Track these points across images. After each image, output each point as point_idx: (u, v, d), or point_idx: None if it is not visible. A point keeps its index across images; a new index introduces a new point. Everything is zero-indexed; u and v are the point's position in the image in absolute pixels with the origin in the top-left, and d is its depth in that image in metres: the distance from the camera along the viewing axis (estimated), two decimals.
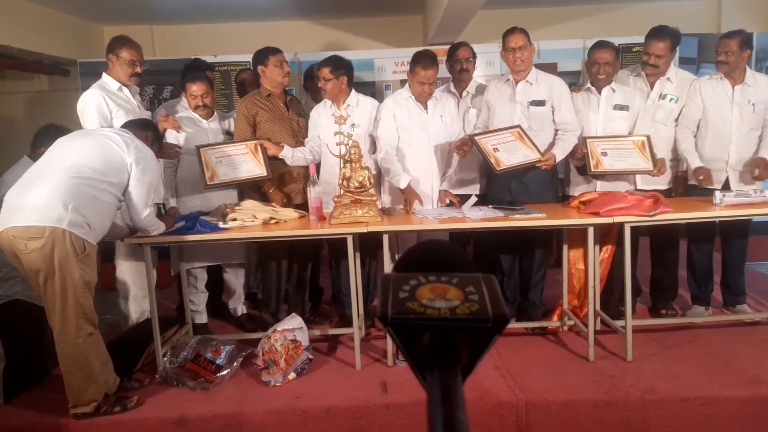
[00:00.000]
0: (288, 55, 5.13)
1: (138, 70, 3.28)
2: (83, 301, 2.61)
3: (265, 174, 3.36)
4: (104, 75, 3.31)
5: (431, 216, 3.18)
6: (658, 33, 3.45)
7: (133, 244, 3.09)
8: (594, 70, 3.41)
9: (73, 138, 2.84)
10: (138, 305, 3.47)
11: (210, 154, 3.37)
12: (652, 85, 3.54)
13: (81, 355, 2.61)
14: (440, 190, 3.54)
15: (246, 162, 3.38)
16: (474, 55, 3.81)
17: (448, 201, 3.48)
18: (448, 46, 4.00)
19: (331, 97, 3.46)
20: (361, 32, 6.23)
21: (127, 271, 3.48)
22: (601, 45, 3.43)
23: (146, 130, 3.01)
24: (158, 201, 3.34)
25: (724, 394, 2.75)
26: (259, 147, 3.37)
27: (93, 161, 2.69)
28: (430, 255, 0.59)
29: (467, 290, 0.53)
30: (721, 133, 3.43)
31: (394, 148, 3.42)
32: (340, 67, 3.44)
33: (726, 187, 3.43)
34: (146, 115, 3.50)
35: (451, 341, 0.51)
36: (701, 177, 3.36)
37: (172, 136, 3.43)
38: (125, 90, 3.29)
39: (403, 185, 3.32)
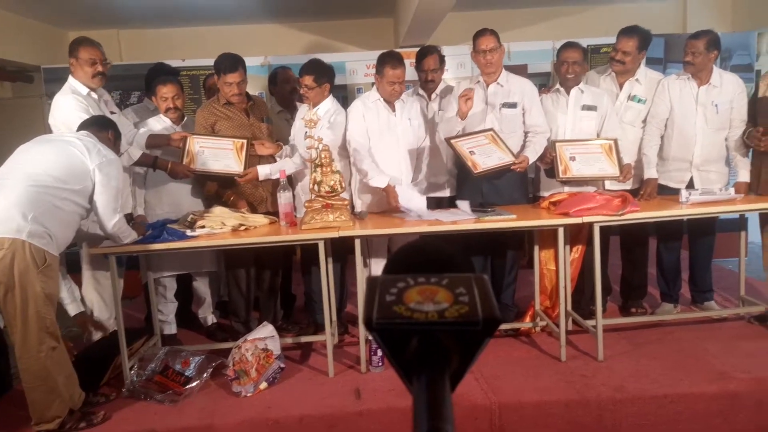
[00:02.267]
0: (258, 58, 5.15)
1: (100, 68, 3.17)
2: (45, 314, 2.53)
3: (239, 172, 3.32)
4: (71, 79, 3.19)
5: (424, 215, 3.14)
6: (627, 31, 3.49)
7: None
8: (563, 70, 3.43)
9: (33, 145, 2.75)
10: (103, 318, 3.38)
11: (195, 143, 3.34)
12: (621, 86, 3.58)
13: (44, 369, 2.54)
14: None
15: (227, 157, 3.35)
16: (442, 61, 3.79)
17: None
18: (418, 49, 3.99)
19: (314, 104, 3.41)
20: (333, 35, 6.20)
21: (92, 281, 3.40)
22: (569, 45, 3.46)
23: (107, 130, 2.91)
24: (127, 210, 3.27)
25: (692, 390, 2.79)
26: (244, 145, 3.33)
27: (53, 168, 2.61)
28: (422, 255, 0.57)
29: (457, 292, 0.51)
30: (686, 133, 3.47)
31: (366, 149, 3.40)
32: (323, 75, 3.40)
33: (690, 185, 3.47)
34: (123, 117, 3.44)
35: (440, 346, 0.48)
36: (648, 190, 3.43)
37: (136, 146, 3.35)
38: (94, 94, 3.20)
39: (381, 184, 3.30)
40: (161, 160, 3.32)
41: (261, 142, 3.38)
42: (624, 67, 3.50)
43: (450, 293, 0.50)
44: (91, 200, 2.71)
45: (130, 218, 3.21)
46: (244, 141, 3.35)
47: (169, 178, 3.37)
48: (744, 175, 3.44)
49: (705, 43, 3.35)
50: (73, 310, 3.14)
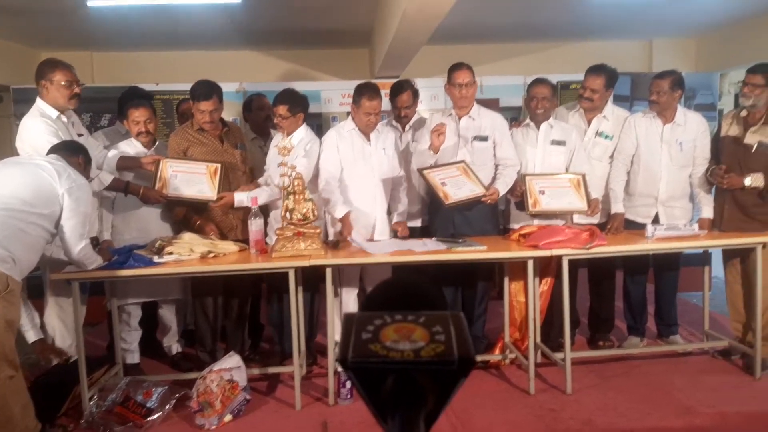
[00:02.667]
0: (233, 84, 5.15)
1: (77, 90, 3.13)
2: (4, 342, 2.44)
3: (213, 198, 3.29)
4: (39, 102, 3.11)
5: (370, 248, 3.15)
6: (595, 69, 3.59)
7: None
8: (532, 105, 3.51)
9: (1, 167, 2.68)
10: (64, 345, 3.27)
11: (168, 167, 3.30)
12: (589, 122, 3.67)
13: (0, 398, 2.44)
14: (395, 222, 3.52)
15: (200, 182, 3.31)
16: (416, 96, 3.85)
17: (396, 232, 3.47)
18: (393, 80, 4.04)
19: (288, 133, 3.41)
20: (308, 64, 6.25)
21: (55, 307, 3.29)
22: (538, 81, 3.54)
23: (77, 155, 2.87)
24: (92, 234, 3.20)
25: (659, 425, 2.81)
26: (218, 170, 3.31)
27: (21, 192, 2.55)
28: (399, 292, 0.57)
29: (434, 330, 0.50)
30: (651, 169, 3.56)
31: (336, 180, 3.40)
32: (297, 104, 3.41)
33: (656, 220, 3.55)
34: (92, 138, 3.38)
35: (416, 386, 0.48)
36: (615, 224, 3.50)
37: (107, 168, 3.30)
38: (63, 117, 3.15)
39: (339, 215, 3.30)
40: (133, 185, 3.27)
41: (236, 192, 3.34)
42: (592, 104, 3.59)
43: (426, 331, 0.50)
44: (57, 225, 2.65)
45: (96, 243, 3.13)
46: (218, 165, 3.33)
47: (139, 202, 3.31)
48: (707, 212, 3.53)
49: (669, 82, 3.46)
50: (32, 336, 3.03)
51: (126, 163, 3.33)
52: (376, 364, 0.48)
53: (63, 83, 3.06)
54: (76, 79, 3.13)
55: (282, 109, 3.37)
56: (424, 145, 3.41)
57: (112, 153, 3.33)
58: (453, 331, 0.50)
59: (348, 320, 0.52)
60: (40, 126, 3.01)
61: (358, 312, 0.53)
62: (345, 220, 3.30)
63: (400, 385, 0.48)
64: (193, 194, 3.31)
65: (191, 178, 3.31)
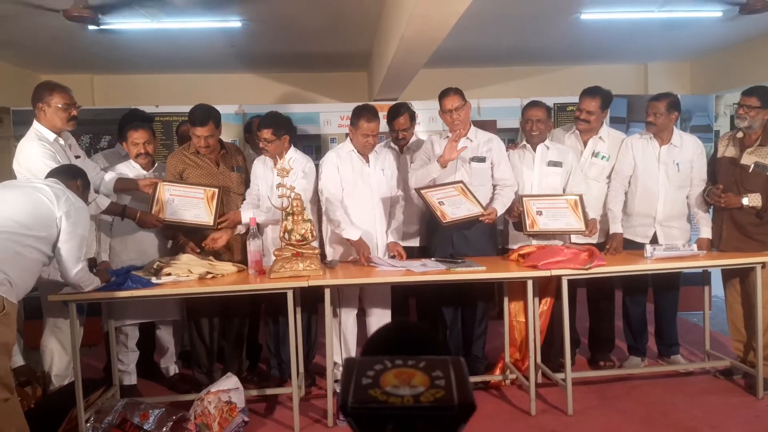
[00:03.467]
0: (233, 106, 5.19)
1: (74, 112, 3.14)
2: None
3: (210, 224, 3.29)
4: (36, 124, 3.12)
5: (388, 267, 3.14)
6: (590, 92, 3.63)
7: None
8: (527, 128, 3.54)
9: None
10: (62, 366, 3.23)
11: (166, 190, 3.30)
12: (585, 143, 3.70)
13: None
14: (389, 243, 3.53)
15: (197, 207, 3.30)
16: (413, 119, 3.89)
17: (393, 253, 3.47)
18: (391, 103, 4.08)
19: (273, 156, 3.44)
20: (307, 86, 6.32)
21: (53, 328, 3.27)
22: (533, 104, 3.58)
23: (76, 178, 2.88)
24: (90, 255, 3.19)
25: None
26: (216, 195, 3.31)
27: (19, 214, 2.55)
28: (400, 336, 0.57)
29: (434, 375, 0.50)
30: (649, 189, 3.58)
31: (339, 200, 3.41)
32: (281, 128, 3.42)
33: (654, 240, 3.56)
34: (89, 161, 3.39)
35: None
36: (614, 244, 3.51)
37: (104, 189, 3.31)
38: (60, 140, 3.16)
39: (354, 238, 3.30)
40: (130, 209, 3.27)
41: (215, 236, 3.33)
42: (589, 126, 3.63)
43: (426, 376, 0.50)
44: (54, 248, 2.64)
45: (93, 264, 3.12)
46: (216, 190, 3.33)
47: (137, 225, 3.31)
48: (706, 232, 3.54)
49: (666, 104, 3.50)
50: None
51: (123, 185, 3.34)
52: (376, 410, 0.48)
53: (60, 106, 3.08)
54: (74, 101, 3.15)
55: (267, 133, 3.38)
56: (419, 163, 3.43)
57: (110, 176, 3.33)
58: (453, 376, 0.50)
59: (349, 365, 0.52)
60: (37, 149, 3.01)
61: (359, 357, 0.53)
62: (359, 243, 3.30)
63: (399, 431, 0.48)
64: (190, 219, 3.30)
65: (188, 203, 3.31)
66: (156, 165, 3.58)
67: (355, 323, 3.57)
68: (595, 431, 2.92)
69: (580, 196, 3.45)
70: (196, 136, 3.33)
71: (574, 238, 3.57)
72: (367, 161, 3.50)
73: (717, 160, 3.52)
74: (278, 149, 3.41)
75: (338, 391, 3.01)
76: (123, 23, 4.42)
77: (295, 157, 3.46)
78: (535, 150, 3.57)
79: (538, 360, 3.41)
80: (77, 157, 3.27)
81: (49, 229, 2.61)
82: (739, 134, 3.41)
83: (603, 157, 3.66)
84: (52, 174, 2.85)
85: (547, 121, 3.56)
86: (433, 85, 5.11)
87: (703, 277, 3.80)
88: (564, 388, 3.14)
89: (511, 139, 4.80)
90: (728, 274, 3.53)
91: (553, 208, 3.41)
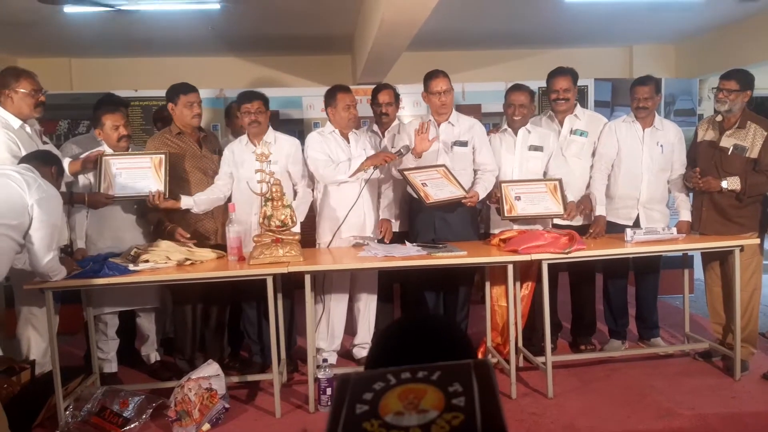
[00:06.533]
0: (213, 90, 5.12)
1: (42, 98, 3.08)
2: None
3: (162, 191, 3.21)
4: (2, 111, 3.03)
5: (382, 253, 3.13)
6: (559, 71, 3.67)
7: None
8: (510, 112, 3.52)
9: None
10: (39, 354, 3.20)
11: (111, 164, 3.22)
12: (561, 123, 3.70)
13: None
14: (381, 219, 3.53)
15: (146, 177, 3.23)
16: (397, 98, 3.87)
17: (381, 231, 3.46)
18: (374, 86, 4.04)
19: (258, 133, 3.40)
20: (290, 70, 6.24)
21: (28, 316, 3.23)
22: (516, 88, 3.55)
23: (50, 165, 2.83)
24: (63, 243, 3.15)
25: (639, 428, 2.81)
26: (163, 161, 3.25)
27: None
28: (412, 332, 0.45)
29: (451, 390, 0.39)
30: (632, 172, 3.59)
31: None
32: (267, 101, 3.43)
33: (637, 223, 3.57)
34: (54, 148, 3.32)
35: None
36: (598, 228, 3.52)
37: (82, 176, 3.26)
38: (27, 127, 3.10)
39: (362, 159, 3.35)
40: (77, 194, 3.20)
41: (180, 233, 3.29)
42: (568, 104, 3.64)
43: (441, 394, 0.39)
44: (26, 236, 2.60)
45: (69, 252, 3.08)
46: (162, 156, 3.26)
47: (112, 210, 3.26)
48: (685, 215, 3.56)
49: (653, 88, 3.53)
50: None
51: (75, 166, 3.23)
52: None
53: (27, 92, 3.02)
54: (41, 87, 3.10)
55: (257, 105, 3.35)
56: (402, 144, 3.42)
57: (67, 161, 3.23)
58: (477, 390, 0.39)
59: (342, 386, 0.41)
60: (1, 137, 2.95)
61: (355, 373, 0.42)
62: (371, 158, 3.35)
63: None
64: (140, 191, 3.22)
65: (137, 174, 3.23)
66: (130, 149, 3.51)
67: (345, 311, 3.57)
68: (575, 414, 2.95)
69: (560, 180, 3.44)
70: (189, 104, 3.32)
71: (557, 221, 3.57)
72: (349, 142, 3.49)
73: (697, 144, 3.53)
74: (265, 125, 3.39)
75: (319, 377, 3.02)
76: (98, 5, 4.32)
77: (276, 136, 3.45)
78: (516, 134, 3.55)
79: (520, 344, 3.43)
80: (45, 143, 3.21)
81: (21, 218, 2.57)
82: (718, 118, 3.41)
83: (581, 134, 3.67)
84: (26, 160, 2.80)
85: (530, 105, 3.54)
86: (417, 69, 5.05)
87: (684, 261, 3.83)
88: (545, 372, 3.16)
89: (495, 124, 4.78)
90: (708, 258, 3.56)
91: (531, 193, 3.40)
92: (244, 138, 3.46)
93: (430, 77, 3.45)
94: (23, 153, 2.99)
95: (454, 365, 0.41)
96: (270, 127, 3.47)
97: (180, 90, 3.34)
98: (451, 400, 0.38)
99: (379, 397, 0.40)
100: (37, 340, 3.17)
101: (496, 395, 0.38)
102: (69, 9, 4.27)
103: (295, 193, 3.50)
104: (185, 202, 3.29)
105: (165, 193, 3.22)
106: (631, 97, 3.59)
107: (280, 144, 3.44)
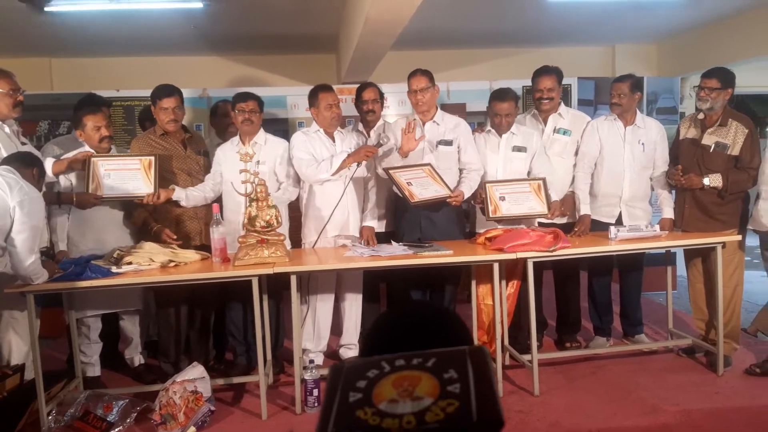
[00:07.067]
0: (197, 90, 5.08)
1: (20, 98, 3.04)
2: None
3: (152, 192, 3.19)
4: None
5: (368, 253, 3.12)
6: (543, 71, 3.68)
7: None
8: (496, 121, 3.51)
9: None
10: (20, 358, 3.15)
11: (100, 165, 3.19)
12: (545, 121, 3.71)
13: None
14: (364, 226, 3.51)
15: (135, 179, 3.21)
16: (381, 96, 3.87)
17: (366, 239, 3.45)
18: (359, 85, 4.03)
19: (249, 132, 3.38)
20: (274, 69, 6.21)
21: (9, 320, 3.17)
22: (501, 97, 3.48)
23: (31, 167, 2.79)
24: (43, 245, 3.10)
25: (625, 424, 2.83)
26: (153, 163, 3.22)
27: None
28: (405, 319, 0.45)
29: (446, 377, 0.38)
30: (614, 170, 3.62)
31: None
32: (262, 104, 3.43)
33: (619, 220, 3.60)
34: (33, 149, 3.27)
35: None
36: (582, 227, 3.54)
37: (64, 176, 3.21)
38: (5, 127, 3.05)
39: (344, 156, 3.32)
40: (65, 194, 3.17)
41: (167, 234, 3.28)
42: (552, 103, 3.65)
43: (435, 380, 0.38)
44: (7, 238, 2.56)
45: (51, 254, 3.03)
46: (152, 158, 3.24)
47: (95, 211, 3.21)
48: (668, 212, 3.59)
49: (629, 85, 3.54)
50: None
51: (59, 166, 3.18)
52: None
53: (4, 92, 2.97)
54: (18, 86, 3.05)
55: (252, 104, 3.35)
56: (389, 145, 3.41)
57: (50, 162, 3.17)
58: (472, 377, 0.38)
59: (334, 375, 0.40)
60: None
61: (348, 360, 0.42)
62: (352, 154, 3.32)
63: None
64: (128, 192, 3.20)
65: (126, 175, 3.21)
66: (112, 150, 3.47)
67: (331, 311, 3.56)
68: (561, 411, 2.96)
69: (544, 180, 3.46)
70: (164, 110, 3.29)
71: (541, 220, 3.58)
72: (334, 141, 3.48)
73: (679, 142, 3.56)
74: (258, 125, 3.38)
75: (306, 378, 3.01)
76: (79, 4, 4.27)
77: (267, 138, 3.45)
78: (500, 135, 3.56)
79: (506, 342, 3.45)
80: (23, 144, 3.16)
81: (2, 220, 2.54)
82: (700, 115, 3.44)
83: (565, 132, 3.69)
84: (7, 161, 2.77)
85: (515, 111, 3.54)
86: (402, 68, 5.04)
87: (668, 258, 3.86)
88: (530, 370, 3.18)
89: (480, 122, 4.79)
90: (690, 254, 3.60)
91: (515, 193, 3.42)
92: (236, 139, 3.45)
93: (410, 76, 3.47)
94: (2, 153, 2.95)
95: (449, 352, 0.40)
96: (262, 129, 3.45)
97: (156, 94, 3.32)
98: (446, 387, 0.38)
99: (372, 385, 0.39)
100: (18, 344, 3.12)
101: (491, 382, 0.37)
102: (50, 8, 4.20)
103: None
104: (178, 194, 3.27)
105: (156, 193, 3.21)
106: (609, 94, 3.63)
107: (270, 146, 3.43)
